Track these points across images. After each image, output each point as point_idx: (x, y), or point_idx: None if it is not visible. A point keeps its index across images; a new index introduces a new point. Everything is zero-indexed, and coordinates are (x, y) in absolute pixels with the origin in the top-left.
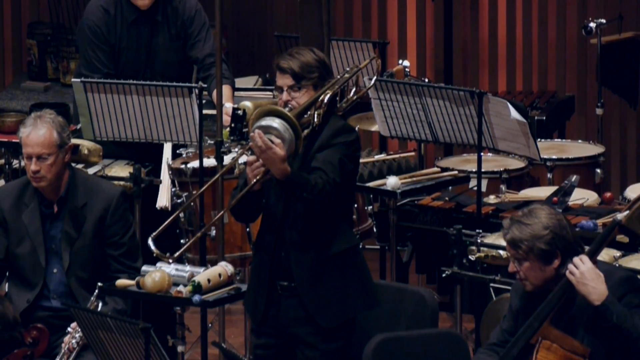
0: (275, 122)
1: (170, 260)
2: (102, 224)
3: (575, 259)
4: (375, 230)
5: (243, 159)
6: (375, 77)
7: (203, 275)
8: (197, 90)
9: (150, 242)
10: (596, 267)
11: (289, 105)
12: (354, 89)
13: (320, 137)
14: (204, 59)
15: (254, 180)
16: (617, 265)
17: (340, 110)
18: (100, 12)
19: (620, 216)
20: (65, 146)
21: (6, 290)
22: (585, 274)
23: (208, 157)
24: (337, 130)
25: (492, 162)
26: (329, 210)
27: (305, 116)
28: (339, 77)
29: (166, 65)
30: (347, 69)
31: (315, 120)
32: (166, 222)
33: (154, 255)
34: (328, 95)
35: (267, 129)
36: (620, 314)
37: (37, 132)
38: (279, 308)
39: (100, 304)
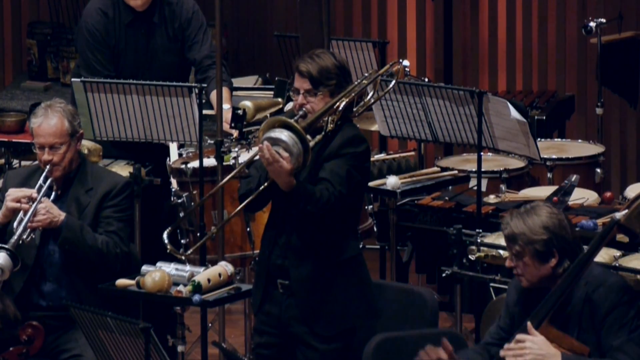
0: (284, 135)
1: (184, 257)
2: (101, 205)
3: (512, 344)
4: (375, 229)
5: (243, 158)
6: (394, 81)
7: (203, 275)
8: (197, 90)
9: (165, 237)
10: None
11: (303, 109)
12: (370, 94)
13: (330, 145)
14: (201, 60)
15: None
16: (617, 264)
17: (356, 115)
18: (98, 15)
19: (619, 215)
20: (76, 134)
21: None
22: (534, 349)
23: (208, 157)
24: (347, 140)
25: (492, 162)
26: (333, 219)
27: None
28: (356, 82)
29: (164, 67)
30: (366, 74)
31: (329, 126)
32: (180, 219)
33: (168, 251)
34: (344, 103)
35: (275, 141)
36: None
37: (49, 122)
38: (279, 306)
39: None
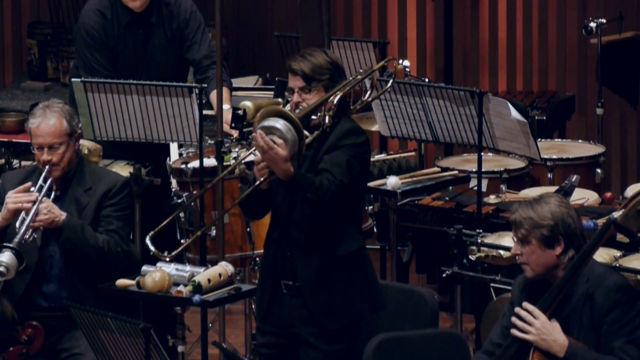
0: (278, 123)
1: (168, 259)
2: (100, 205)
3: (523, 317)
4: (375, 230)
5: (247, 158)
6: (392, 80)
7: (203, 275)
8: (197, 90)
9: (148, 240)
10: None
11: (300, 107)
12: (369, 92)
13: (329, 139)
14: (200, 60)
15: (260, 180)
16: (617, 264)
17: (354, 112)
18: (96, 16)
19: (615, 215)
20: (75, 134)
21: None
22: (542, 329)
23: (208, 157)
24: (346, 131)
25: (492, 162)
26: (336, 212)
27: (316, 117)
28: (351, 78)
29: (163, 67)
30: (361, 70)
31: (326, 121)
32: (164, 223)
33: (152, 254)
34: (338, 97)
35: (269, 130)
36: None
37: (47, 122)
38: (283, 307)
39: None
